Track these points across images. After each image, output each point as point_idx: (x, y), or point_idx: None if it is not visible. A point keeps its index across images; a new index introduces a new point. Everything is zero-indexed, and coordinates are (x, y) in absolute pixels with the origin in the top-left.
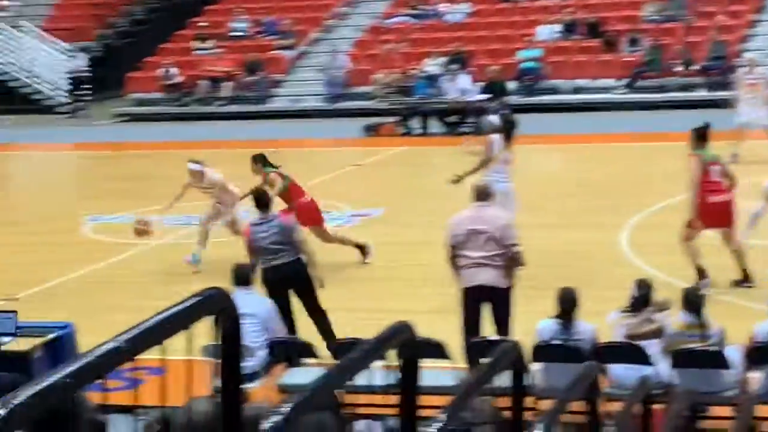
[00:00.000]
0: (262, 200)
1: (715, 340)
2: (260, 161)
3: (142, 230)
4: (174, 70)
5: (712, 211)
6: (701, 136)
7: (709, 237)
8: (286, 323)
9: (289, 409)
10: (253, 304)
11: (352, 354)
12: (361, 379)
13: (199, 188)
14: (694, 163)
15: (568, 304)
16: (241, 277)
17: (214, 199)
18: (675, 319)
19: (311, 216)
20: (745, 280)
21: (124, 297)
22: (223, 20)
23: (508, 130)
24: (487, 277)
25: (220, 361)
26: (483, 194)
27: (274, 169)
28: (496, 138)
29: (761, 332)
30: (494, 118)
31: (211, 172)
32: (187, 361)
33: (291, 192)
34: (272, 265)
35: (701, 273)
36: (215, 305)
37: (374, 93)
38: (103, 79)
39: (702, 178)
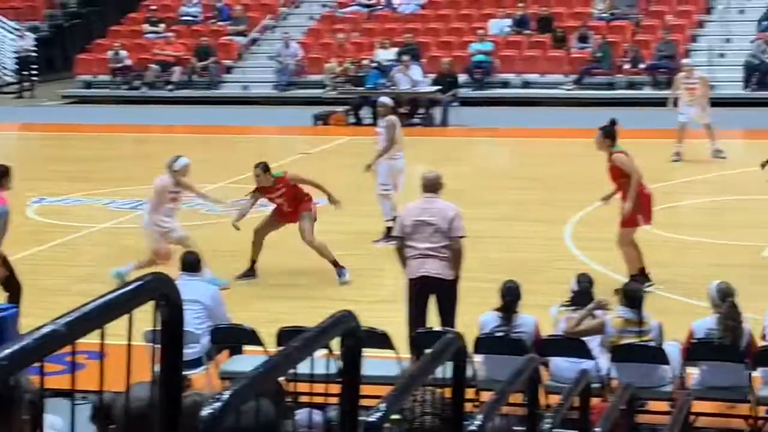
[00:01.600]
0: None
1: (653, 335)
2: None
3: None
4: (124, 53)
5: (648, 203)
6: (613, 133)
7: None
8: None
9: (228, 396)
10: (198, 290)
11: (294, 342)
12: (303, 368)
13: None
14: (625, 159)
15: (510, 297)
16: (187, 264)
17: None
18: (614, 314)
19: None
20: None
21: (69, 280)
22: (175, 4)
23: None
24: (433, 268)
25: (160, 346)
26: (432, 186)
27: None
28: (396, 119)
29: (699, 329)
30: (387, 100)
31: None
32: (127, 347)
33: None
34: None
35: (645, 275)
36: (157, 290)
37: (325, 82)
38: (51, 59)
39: None
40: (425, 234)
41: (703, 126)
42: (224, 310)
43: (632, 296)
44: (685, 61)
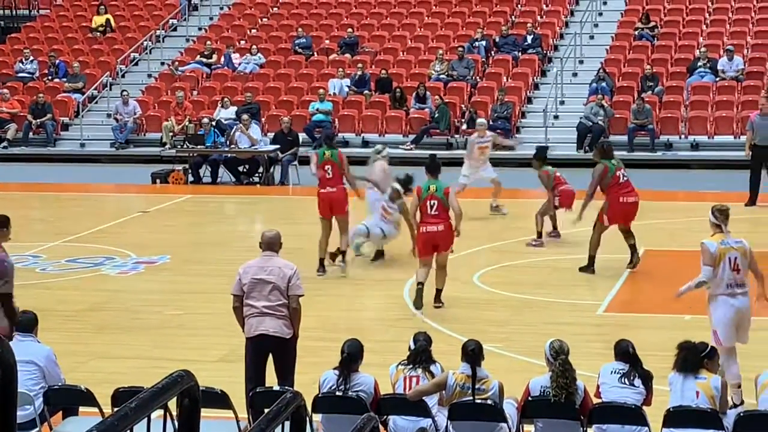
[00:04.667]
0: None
1: (492, 393)
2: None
3: None
4: None
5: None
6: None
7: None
8: None
9: None
10: (32, 351)
11: (130, 402)
12: (139, 429)
13: None
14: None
15: (349, 356)
16: (22, 324)
17: None
18: (455, 371)
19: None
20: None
21: None
22: (11, 61)
23: None
24: (271, 326)
25: None
26: (271, 244)
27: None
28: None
29: (535, 386)
30: (397, 186)
31: None
32: None
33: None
34: None
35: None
36: None
37: (164, 140)
38: None
39: None
40: (263, 292)
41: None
42: (59, 371)
43: (471, 353)
44: (480, 120)
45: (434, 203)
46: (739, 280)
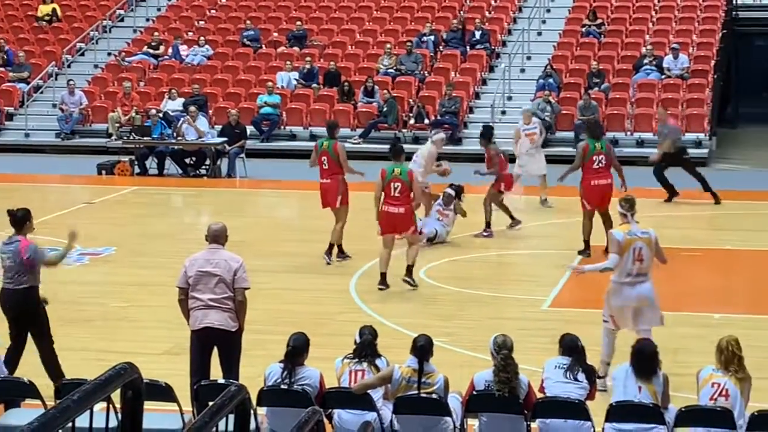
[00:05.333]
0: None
1: (437, 387)
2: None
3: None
4: None
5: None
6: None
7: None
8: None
9: None
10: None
11: (73, 394)
12: (82, 421)
13: None
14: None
15: (295, 349)
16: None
17: None
18: (401, 365)
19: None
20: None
21: None
22: None
23: None
24: (217, 319)
25: None
26: (217, 237)
27: None
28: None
29: (479, 381)
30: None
31: None
32: None
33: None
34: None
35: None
36: None
37: (110, 131)
38: None
39: None
40: (209, 285)
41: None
42: (1, 363)
43: (419, 347)
44: (525, 107)
45: (398, 185)
46: (642, 270)
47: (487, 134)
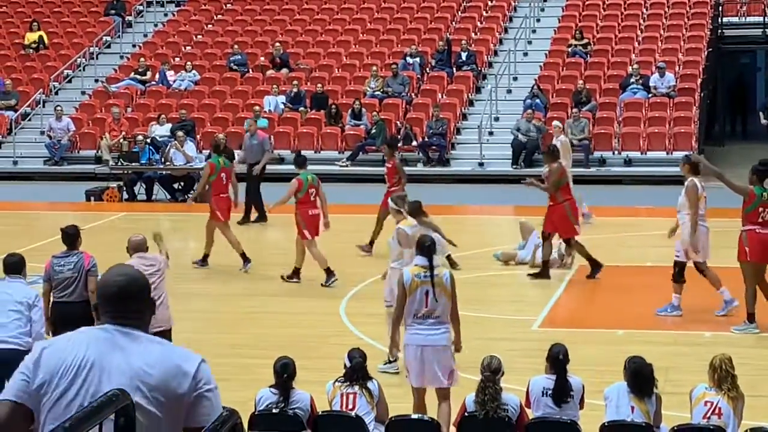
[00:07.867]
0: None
1: (445, 279)
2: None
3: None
4: None
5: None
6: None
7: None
8: None
9: None
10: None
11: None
12: None
13: None
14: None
15: (286, 373)
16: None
17: None
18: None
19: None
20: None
21: None
22: None
23: None
24: None
25: None
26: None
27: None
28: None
29: (470, 402)
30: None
31: None
32: None
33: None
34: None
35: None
36: None
37: (104, 156)
38: None
39: None
40: None
41: None
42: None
43: (428, 248)
44: (555, 123)
45: (313, 191)
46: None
47: (392, 143)
